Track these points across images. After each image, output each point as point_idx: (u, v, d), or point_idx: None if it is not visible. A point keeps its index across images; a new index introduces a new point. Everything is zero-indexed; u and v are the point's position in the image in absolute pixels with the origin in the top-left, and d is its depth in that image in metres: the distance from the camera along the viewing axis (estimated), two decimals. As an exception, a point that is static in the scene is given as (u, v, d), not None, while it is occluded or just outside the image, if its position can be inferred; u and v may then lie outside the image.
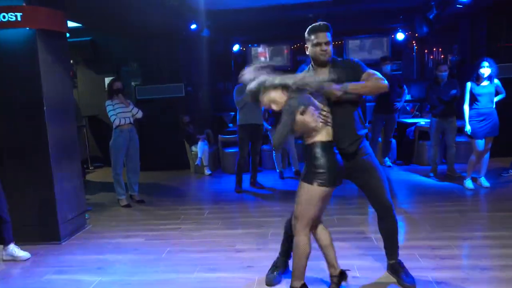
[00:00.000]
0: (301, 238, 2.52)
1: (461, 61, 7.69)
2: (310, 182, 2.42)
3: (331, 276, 2.73)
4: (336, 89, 2.43)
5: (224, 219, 4.62)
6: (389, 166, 6.74)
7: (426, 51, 9.11)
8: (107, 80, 8.23)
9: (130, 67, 8.09)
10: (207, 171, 7.05)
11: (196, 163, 7.06)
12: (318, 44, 2.59)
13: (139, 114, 5.35)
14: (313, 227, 2.61)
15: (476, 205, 4.77)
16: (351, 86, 2.47)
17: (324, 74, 2.56)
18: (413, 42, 9.20)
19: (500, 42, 6.82)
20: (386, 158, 6.83)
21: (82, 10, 5.45)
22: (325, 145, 2.42)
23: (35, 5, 3.86)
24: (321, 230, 2.67)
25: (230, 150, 7.14)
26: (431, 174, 5.92)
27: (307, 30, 2.67)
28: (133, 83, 7.90)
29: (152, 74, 7.59)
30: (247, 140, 5.75)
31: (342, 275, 2.70)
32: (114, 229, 4.48)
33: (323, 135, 2.43)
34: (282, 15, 8.14)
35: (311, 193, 2.43)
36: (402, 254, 3.01)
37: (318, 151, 2.41)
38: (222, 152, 7.29)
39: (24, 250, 3.77)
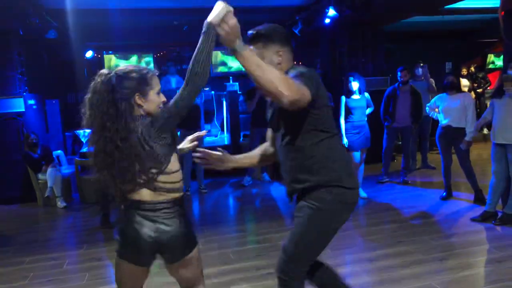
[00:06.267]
0: None
1: (323, 75, 8.10)
2: None
3: None
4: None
5: (91, 270, 3.65)
6: (269, 181, 6.57)
7: (294, 63, 9.44)
8: None
9: None
10: (61, 203, 5.77)
11: (46, 195, 5.73)
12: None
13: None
14: None
15: (357, 219, 4.75)
16: (248, 53, 1.72)
17: None
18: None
19: (358, 58, 7.38)
20: (265, 173, 6.65)
21: None
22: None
23: None
24: None
25: (90, 176, 6.00)
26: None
27: (284, 34, 2.08)
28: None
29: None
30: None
31: None
32: None
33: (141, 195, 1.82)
34: (145, 20, 7.40)
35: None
36: None
37: None
38: (79, 178, 6.09)
39: None
